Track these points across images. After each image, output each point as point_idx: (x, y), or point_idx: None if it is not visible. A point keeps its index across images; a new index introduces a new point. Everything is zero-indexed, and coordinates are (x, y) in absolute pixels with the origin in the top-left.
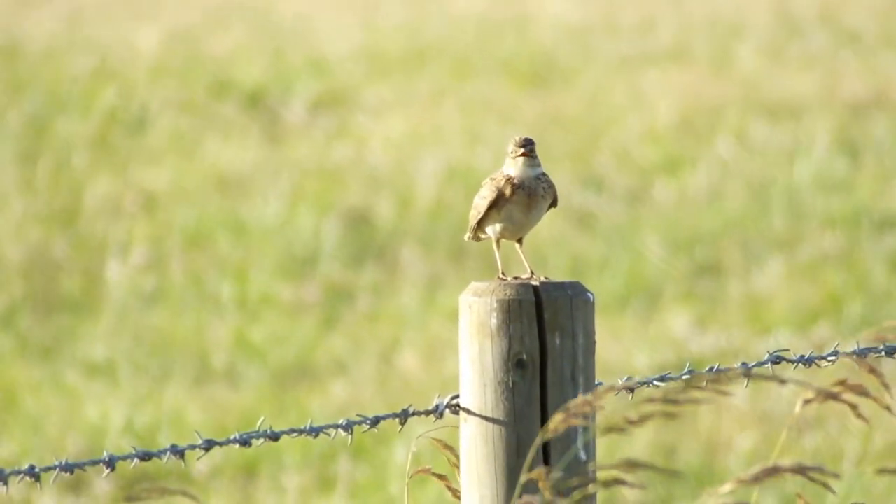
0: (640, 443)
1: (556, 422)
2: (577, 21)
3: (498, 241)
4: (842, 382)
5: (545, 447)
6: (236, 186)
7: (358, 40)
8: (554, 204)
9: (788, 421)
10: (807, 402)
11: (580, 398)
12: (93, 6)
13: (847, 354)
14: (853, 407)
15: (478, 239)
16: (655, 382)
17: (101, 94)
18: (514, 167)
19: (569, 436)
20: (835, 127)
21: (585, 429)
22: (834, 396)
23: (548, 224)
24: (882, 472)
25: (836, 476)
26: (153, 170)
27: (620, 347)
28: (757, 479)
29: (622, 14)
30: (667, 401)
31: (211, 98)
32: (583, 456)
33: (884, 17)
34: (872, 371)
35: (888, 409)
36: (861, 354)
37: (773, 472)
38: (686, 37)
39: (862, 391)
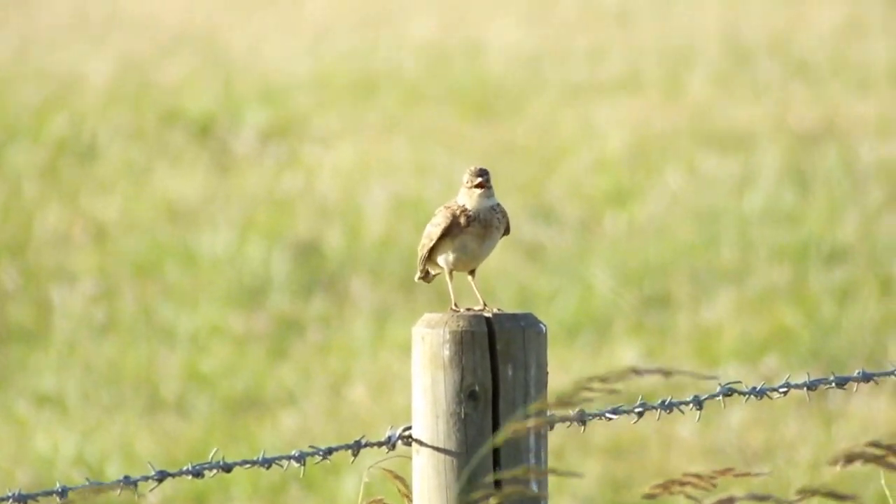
0: (590, 476)
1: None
2: (528, 49)
3: (451, 273)
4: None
5: (497, 481)
6: (186, 216)
7: (307, 69)
8: (506, 232)
9: (740, 451)
10: (834, 462)
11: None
12: (44, 36)
13: (798, 386)
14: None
15: (427, 277)
16: (608, 415)
17: (51, 124)
18: (468, 199)
19: (520, 463)
20: (784, 157)
21: (537, 462)
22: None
23: (497, 255)
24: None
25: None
26: (103, 199)
27: (570, 379)
28: None
29: (573, 42)
30: None
31: (161, 127)
32: (535, 487)
33: (833, 46)
34: None
35: None
36: (812, 387)
37: (728, 502)
38: (636, 65)
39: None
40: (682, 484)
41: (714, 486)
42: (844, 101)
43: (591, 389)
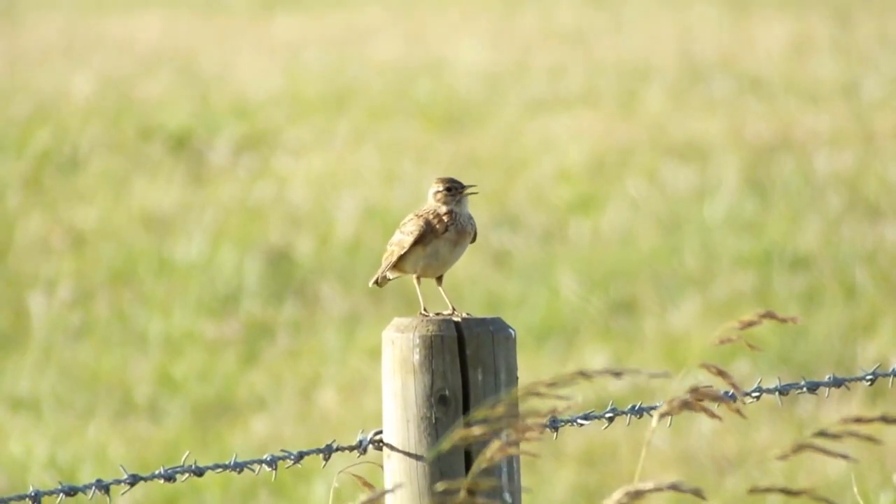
0: (562, 484)
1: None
2: (490, 66)
3: (418, 279)
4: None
5: (470, 489)
6: (161, 225)
7: (279, 85)
8: (473, 239)
9: (711, 458)
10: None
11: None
12: (31, 54)
13: (770, 391)
14: (708, 413)
15: (384, 283)
16: (580, 421)
17: (35, 137)
18: (454, 204)
19: (494, 473)
20: (742, 168)
21: (508, 468)
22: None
23: (464, 262)
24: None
25: (699, 493)
26: (83, 208)
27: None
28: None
29: (533, 59)
30: None
31: (139, 140)
32: (508, 498)
33: (783, 63)
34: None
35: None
36: (783, 392)
37: (637, 495)
38: (595, 81)
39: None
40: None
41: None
42: (798, 114)
43: (538, 394)
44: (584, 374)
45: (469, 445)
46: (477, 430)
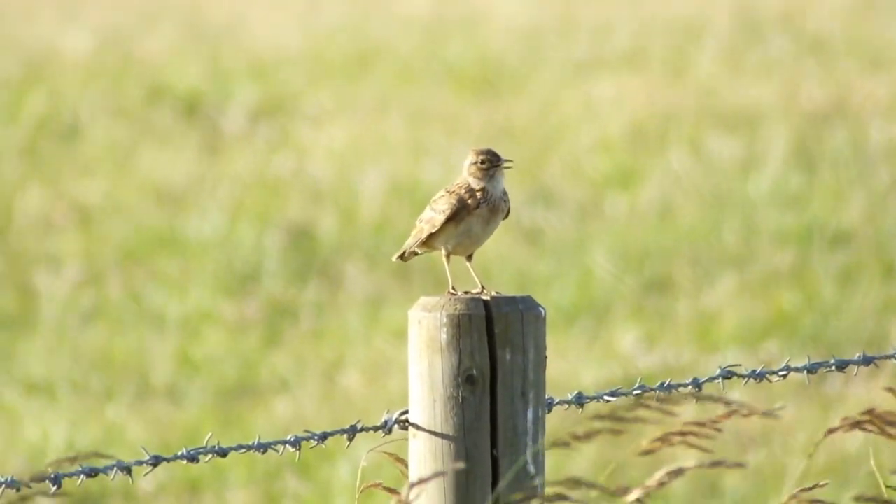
0: (586, 460)
1: None
2: (530, 23)
3: (448, 256)
4: (870, 411)
5: (494, 461)
6: (174, 199)
7: (297, 43)
8: (506, 215)
9: (738, 435)
10: (831, 431)
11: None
12: (15, 6)
13: (798, 369)
14: (884, 434)
15: (408, 258)
16: (606, 398)
17: (29, 101)
18: (487, 180)
19: (517, 449)
20: (792, 137)
21: (534, 445)
22: (860, 425)
23: (495, 240)
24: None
25: (743, 466)
26: (86, 181)
27: (567, 363)
28: (662, 483)
29: (579, 16)
30: (614, 418)
31: (146, 105)
32: (531, 469)
33: (848, 22)
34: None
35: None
36: (812, 370)
37: (679, 473)
38: (643, 41)
39: (890, 419)
40: (683, 434)
41: (718, 430)
42: (857, 78)
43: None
44: (697, 389)
45: (495, 422)
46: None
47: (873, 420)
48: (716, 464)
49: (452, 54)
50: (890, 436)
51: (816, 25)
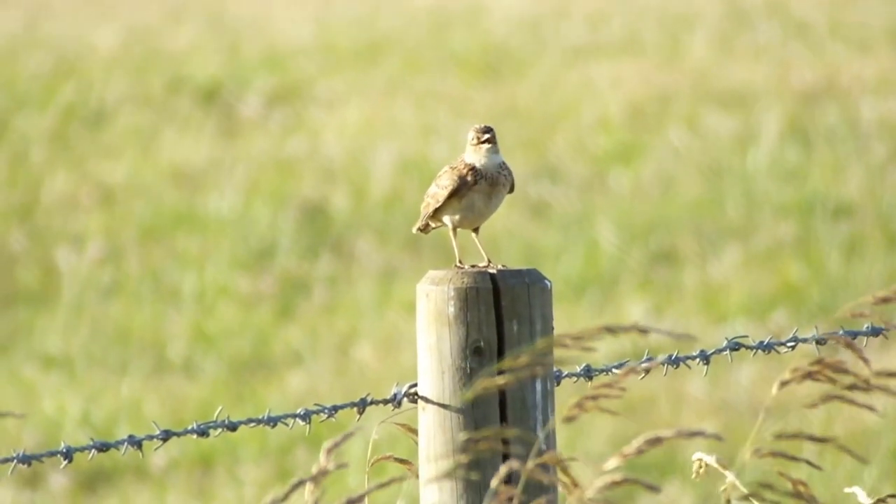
0: (600, 435)
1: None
2: (529, 12)
3: (455, 230)
4: (819, 361)
5: (504, 439)
6: (192, 180)
7: (312, 34)
8: (511, 189)
9: (750, 407)
10: (784, 383)
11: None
12: (52, 5)
13: (806, 340)
14: (833, 383)
15: (427, 230)
16: (614, 370)
17: (59, 91)
18: (476, 156)
19: (527, 423)
20: (786, 115)
21: (543, 418)
22: (812, 375)
23: (503, 214)
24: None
25: (719, 438)
26: (110, 164)
27: None
28: (640, 450)
29: (574, 4)
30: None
31: (167, 93)
32: (543, 446)
33: (832, 6)
34: (850, 346)
35: (866, 383)
36: (821, 341)
37: (656, 441)
38: (637, 27)
39: (840, 367)
40: (595, 398)
41: (623, 390)
42: (844, 61)
43: (564, 346)
44: (610, 330)
45: (504, 395)
46: (500, 380)
47: (822, 370)
48: (694, 433)
49: (457, 42)
50: (835, 382)
51: (801, 12)
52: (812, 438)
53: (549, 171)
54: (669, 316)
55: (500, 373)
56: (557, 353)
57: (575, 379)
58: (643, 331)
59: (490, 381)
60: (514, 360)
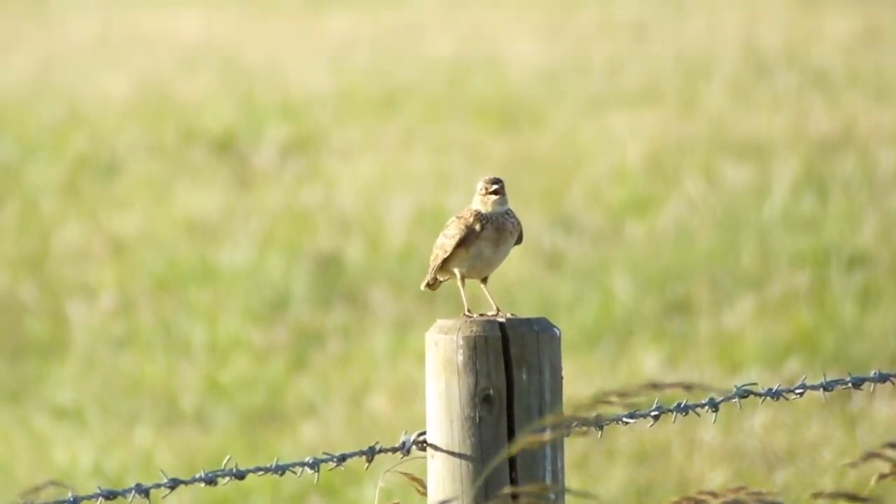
0: (613, 481)
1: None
2: (547, 62)
3: (463, 280)
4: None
5: (513, 482)
6: (206, 231)
7: (327, 83)
8: (519, 240)
9: (762, 453)
10: (882, 476)
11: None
12: (65, 54)
13: (815, 387)
14: None
15: (435, 285)
16: (625, 419)
17: (71, 140)
18: (483, 205)
19: (536, 471)
20: (802, 164)
21: (553, 468)
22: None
23: (517, 264)
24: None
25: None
26: (122, 215)
27: (590, 386)
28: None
29: (591, 55)
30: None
31: (181, 144)
32: (552, 496)
33: (849, 55)
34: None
35: None
36: (828, 387)
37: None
38: (654, 77)
39: None
40: (698, 502)
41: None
42: (862, 109)
43: (609, 402)
44: (655, 386)
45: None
46: (546, 437)
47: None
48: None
49: (474, 92)
50: None
51: (819, 61)
52: (854, 498)
53: (565, 220)
54: (684, 365)
55: (510, 424)
56: (601, 408)
57: (585, 430)
58: (687, 387)
59: (536, 438)
60: (556, 416)
